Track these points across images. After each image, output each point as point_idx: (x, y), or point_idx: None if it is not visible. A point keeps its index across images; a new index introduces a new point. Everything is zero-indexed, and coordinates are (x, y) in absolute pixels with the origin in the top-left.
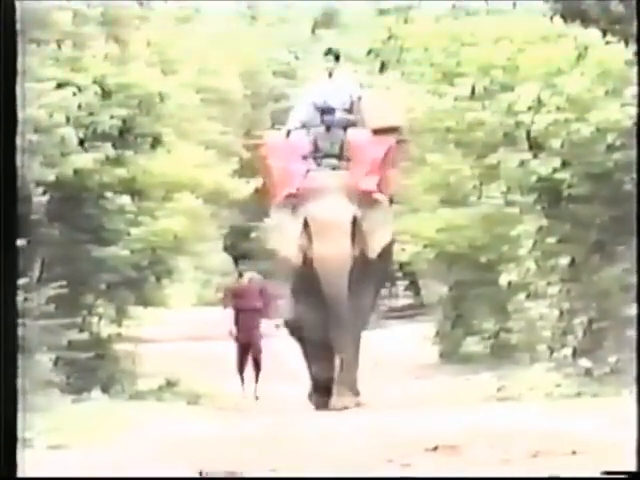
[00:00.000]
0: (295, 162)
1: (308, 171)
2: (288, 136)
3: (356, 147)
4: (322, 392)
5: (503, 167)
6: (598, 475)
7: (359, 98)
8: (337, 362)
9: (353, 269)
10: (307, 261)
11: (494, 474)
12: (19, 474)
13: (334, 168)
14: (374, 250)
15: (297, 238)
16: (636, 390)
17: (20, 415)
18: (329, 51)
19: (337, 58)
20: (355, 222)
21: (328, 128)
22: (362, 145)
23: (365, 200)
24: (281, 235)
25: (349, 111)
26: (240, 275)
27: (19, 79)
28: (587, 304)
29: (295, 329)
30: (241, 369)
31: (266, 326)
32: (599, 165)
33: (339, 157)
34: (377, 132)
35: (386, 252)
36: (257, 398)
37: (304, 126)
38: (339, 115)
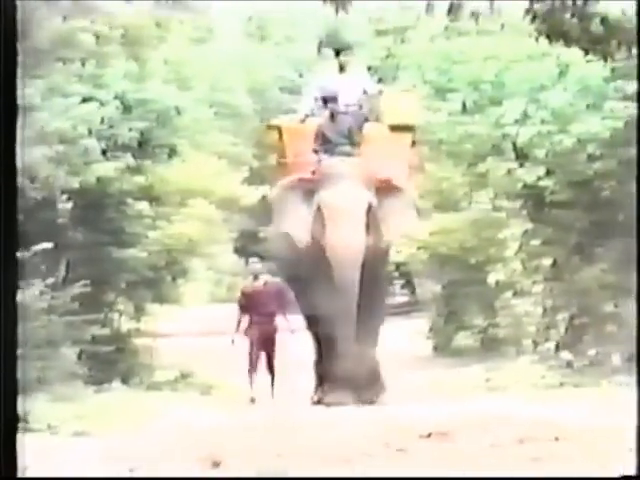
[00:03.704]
0: (309, 149)
1: (320, 160)
2: (303, 122)
3: (373, 141)
4: (333, 386)
5: (491, 175)
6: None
7: (380, 92)
8: (347, 356)
9: (366, 259)
10: (319, 249)
11: (484, 458)
12: (42, 459)
13: (347, 155)
14: (389, 240)
15: (310, 225)
16: (636, 388)
17: (47, 405)
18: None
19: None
20: (370, 210)
21: (332, 116)
22: (379, 140)
23: (382, 188)
24: (291, 220)
25: (361, 106)
26: (255, 278)
27: (47, 95)
28: (569, 301)
29: (308, 322)
30: (252, 372)
31: (282, 330)
32: (580, 174)
33: (350, 144)
34: (394, 129)
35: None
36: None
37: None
38: (350, 107)
